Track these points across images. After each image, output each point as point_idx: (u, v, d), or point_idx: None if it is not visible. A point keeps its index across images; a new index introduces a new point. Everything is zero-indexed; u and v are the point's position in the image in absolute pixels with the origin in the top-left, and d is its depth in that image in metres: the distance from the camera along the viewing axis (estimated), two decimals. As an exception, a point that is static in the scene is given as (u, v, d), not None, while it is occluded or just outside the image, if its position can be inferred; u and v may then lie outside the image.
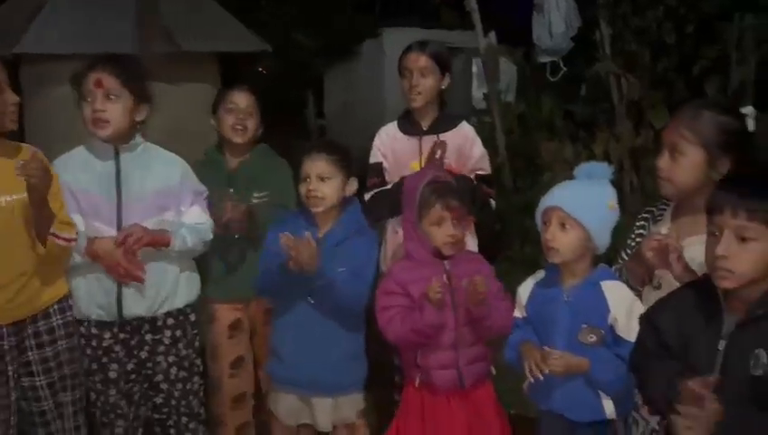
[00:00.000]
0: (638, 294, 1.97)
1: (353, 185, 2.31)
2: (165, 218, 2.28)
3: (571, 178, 2.02)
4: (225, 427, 2.71)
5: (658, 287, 1.85)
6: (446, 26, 8.16)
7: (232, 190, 2.56)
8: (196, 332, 2.44)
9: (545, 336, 1.95)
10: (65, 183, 2.20)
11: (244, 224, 2.48)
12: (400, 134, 2.71)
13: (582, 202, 1.92)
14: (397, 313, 2.17)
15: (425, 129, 2.67)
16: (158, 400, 2.39)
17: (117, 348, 2.31)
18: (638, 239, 2.00)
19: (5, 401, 2.12)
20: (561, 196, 1.95)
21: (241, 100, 2.64)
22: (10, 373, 2.12)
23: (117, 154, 2.26)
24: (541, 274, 2.06)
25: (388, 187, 2.66)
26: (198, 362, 2.44)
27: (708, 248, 1.58)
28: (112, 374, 2.33)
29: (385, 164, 2.70)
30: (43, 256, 2.09)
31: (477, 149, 2.70)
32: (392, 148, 2.70)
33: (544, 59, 4.77)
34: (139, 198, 2.25)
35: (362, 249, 2.28)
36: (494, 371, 2.23)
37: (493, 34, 5.02)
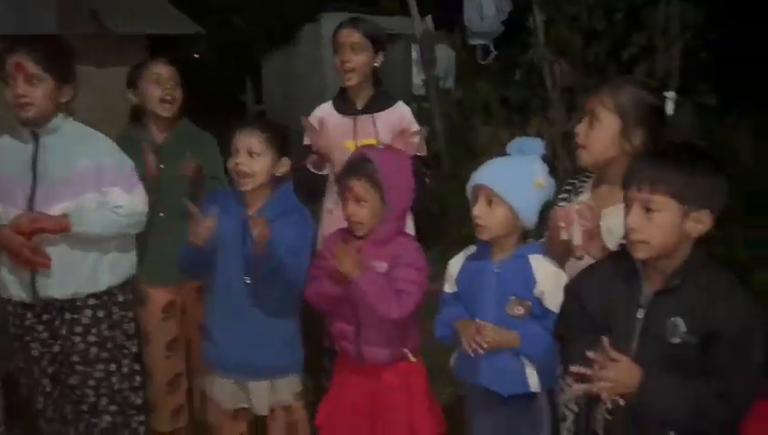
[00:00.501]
0: (562, 267, 2.02)
1: (285, 165, 2.27)
2: (84, 201, 2.20)
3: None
4: (161, 411, 2.68)
5: (581, 259, 1.90)
6: (385, 12, 8.14)
7: (162, 167, 2.52)
8: (126, 313, 2.36)
9: (474, 308, 1.98)
10: None
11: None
12: (335, 113, 2.68)
13: (508, 180, 1.95)
14: (318, 275, 2.18)
15: (359, 108, 2.65)
16: (73, 380, 2.32)
17: (40, 328, 2.28)
18: None
19: None
20: (487, 173, 1.98)
21: (164, 70, 2.59)
22: None
23: (36, 137, 2.20)
24: (472, 248, 2.08)
25: (309, 167, 2.63)
26: (129, 344, 2.38)
27: (625, 221, 1.64)
28: (35, 353, 2.30)
29: (316, 146, 2.67)
30: None
31: (413, 129, 2.70)
32: (326, 127, 2.65)
33: (475, 41, 4.82)
34: (54, 181, 2.19)
35: (295, 228, 2.25)
36: (412, 357, 2.22)
37: (429, 19, 5.04)
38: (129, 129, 2.67)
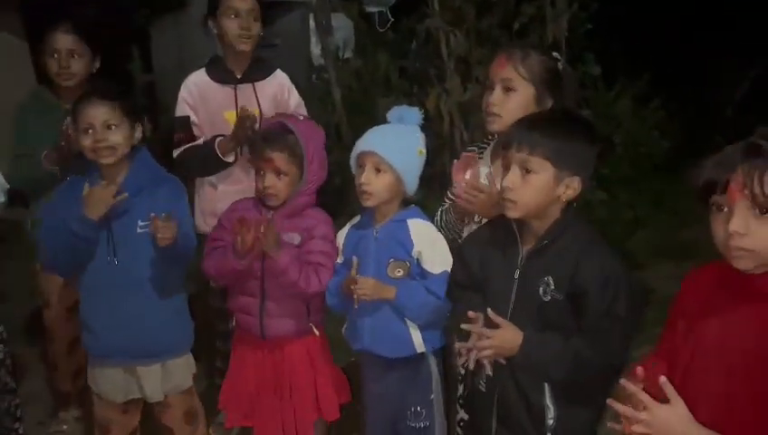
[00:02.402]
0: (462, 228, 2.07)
1: (140, 131, 2.17)
2: None
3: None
4: (62, 372, 2.75)
5: (480, 222, 1.96)
6: (282, -21, 7.90)
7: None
8: (8, 349, 2.26)
9: (359, 273, 2.00)
10: None
11: None
12: (212, 82, 2.57)
13: (395, 147, 1.97)
14: (220, 247, 2.14)
15: (238, 76, 2.57)
16: None
17: None
18: None
19: None
20: (374, 140, 1.99)
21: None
22: None
23: None
24: (356, 218, 2.10)
25: (199, 142, 2.55)
26: (8, 379, 2.26)
27: (501, 181, 1.69)
28: None
29: (193, 118, 2.57)
30: None
31: (293, 98, 2.67)
32: (202, 97, 2.56)
33: (371, 8, 4.78)
34: None
35: (171, 201, 2.16)
36: (316, 331, 2.22)
37: (325, -14, 4.94)
38: (38, 92, 2.59)
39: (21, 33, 4.15)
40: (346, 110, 5.13)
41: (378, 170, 1.97)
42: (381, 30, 4.89)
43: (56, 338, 2.77)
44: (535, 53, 1.98)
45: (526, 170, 1.66)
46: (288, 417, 2.19)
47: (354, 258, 1.99)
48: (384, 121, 5.06)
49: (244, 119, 2.42)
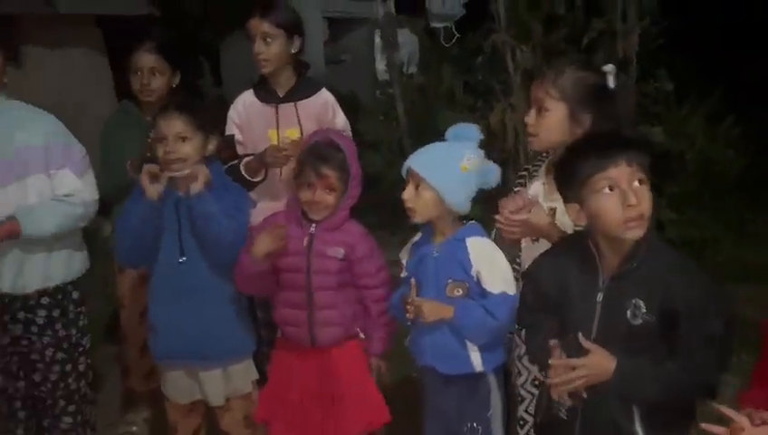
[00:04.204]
0: (516, 249, 2.05)
1: (213, 143, 2.24)
2: (28, 183, 2.13)
3: None
4: (135, 373, 2.82)
5: (537, 241, 1.93)
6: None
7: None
8: (80, 309, 2.31)
9: (419, 290, 2.00)
10: None
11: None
12: (257, 102, 2.64)
13: (433, 164, 1.97)
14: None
15: (281, 96, 2.62)
16: (37, 377, 2.27)
17: None
18: None
19: None
20: (415, 158, 2.00)
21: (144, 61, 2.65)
22: None
23: None
24: (418, 235, 2.11)
25: (241, 161, 2.60)
26: (84, 341, 2.33)
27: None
28: None
29: (238, 136, 2.63)
30: None
31: (339, 118, 2.69)
32: (248, 117, 2.63)
33: (437, 24, 4.80)
34: None
35: (231, 197, 2.23)
36: (361, 335, 2.24)
37: (391, 2, 5.00)
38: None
39: (102, 47, 4.36)
40: (409, 124, 5.15)
41: (418, 187, 1.98)
42: (446, 45, 4.90)
43: (129, 340, 2.85)
44: (571, 71, 1.97)
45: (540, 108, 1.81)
46: (330, 427, 2.20)
47: (412, 280, 2.00)
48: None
49: (275, 148, 2.48)
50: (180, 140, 2.15)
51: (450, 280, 1.97)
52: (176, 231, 2.19)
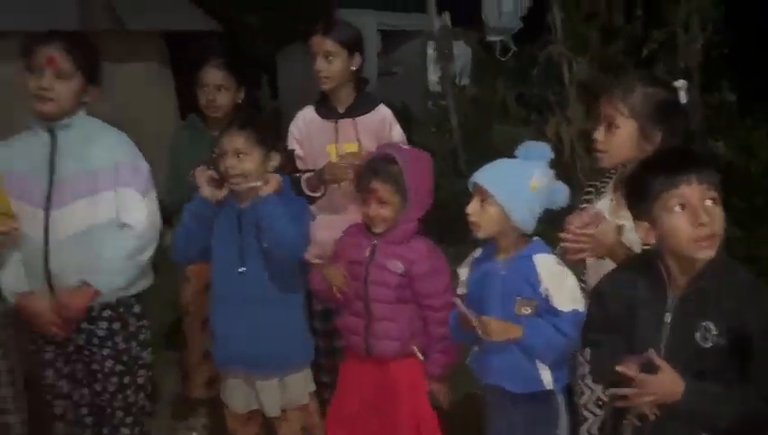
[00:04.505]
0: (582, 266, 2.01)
1: (275, 159, 2.26)
2: (97, 199, 2.16)
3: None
4: (195, 380, 2.85)
5: (602, 258, 1.89)
6: (402, 8, 8.11)
7: None
8: (142, 323, 2.33)
9: (482, 310, 1.97)
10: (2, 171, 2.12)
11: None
12: (317, 117, 2.67)
13: (501, 180, 1.95)
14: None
15: (341, 112, 2.65)
16: (97, 387, 2.30)
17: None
18: None
19: None
20: (483, 172, 1.98)
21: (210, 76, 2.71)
22: None
23: (53, 133, 2.16)
24: (478, 252, 2.09)
25: (301, 175, 2.63)
26: (144, 354, 2.33)
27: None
28: (49, 355, 2.26)
29: (298, 151, 2.67)
30: None
31: (396, 132, 2.68)
32: (309, 132, 2.67)
33: (493, 37, 4.79)
34: (70, 178, 2.14)
35: (294, 205, 2.27)
36: (420, 355, 2.23)
37: (446, 16, 5.01)
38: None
39: (166, 61, 4.50)
40: (463, 136, 5.15)
41: (483, 202, 1.97)
42: (503, 58, 4.88)
43: (191, 347, 2.88)
44: (642, 87, 1.93)
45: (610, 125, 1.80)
46: None
47: (457, 299, 1.98)
48: (499, 147, 5.02)
49: (332, 166, 2.51)
50: (240, 155, 2.19)
51: (518, 298, 1.94)
52: (236, 242, 2.24)
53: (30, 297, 2.15)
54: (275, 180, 2.20)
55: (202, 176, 2.21)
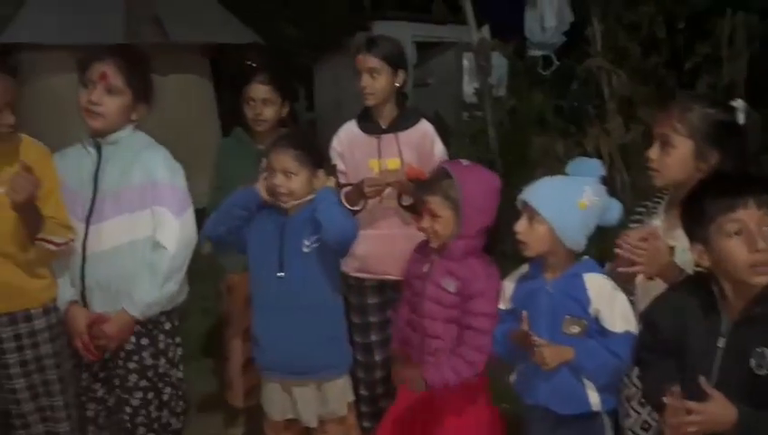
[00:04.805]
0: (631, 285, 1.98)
1: (322, 177, 2.28)
2: (135, 216, 2.17)
3: (562, 174, 2.02)
4: (236, 390, 2.88)
5: (652, 278, 1.86)
6: (436, 20, 8.14)
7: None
8: (173, 341, 2.30)
9: (529, 327, 1.93)
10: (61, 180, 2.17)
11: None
12: (360, 133, 2.69)
13: (550, 198, 1.93)
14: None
15: (383, 127, 2.66)
16: (111, 401, 2.30)
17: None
18: None
19: None
20: (532, 190, 1.96)
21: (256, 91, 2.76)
22: None
23: (99, 148, 2.20)
24: (524, 268, 2.07)
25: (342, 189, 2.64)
26: (173, 372, 2.30)
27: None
28: (86, 359, 2.26)
29: (340, 166, 2.69)
30: (33, 257, 2.08)
31: (438, 148, 2.68)
32: (351, 147, 2.69)
33: (535, 53, 4.76)
34: (111, 194, 2.17)
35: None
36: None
37: (486, 29, 5.00)
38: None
39: (208, 73, 4.58)
40: (499, 148, 5.12)
41: (532, 220, 1.95)
42: (545, 73, 4.85)
43: (232, 356, 2.89)
44: (700, 106, 1.90)
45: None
46: None
47: (524, 313, 1.95)
48: (537, 159, 4.95)
49: (371, 180, 2.51)
50: (288, 175, 2.22)
51: (568, 316, 1.92)
52: (277, 248, 2.27)
53: (73, 310, 2.18)
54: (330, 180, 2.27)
55: (263, 178, 2.27)
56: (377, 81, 2.59)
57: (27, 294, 2.13)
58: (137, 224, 2.17)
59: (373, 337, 2.75)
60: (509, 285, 2.08)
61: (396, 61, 2.62)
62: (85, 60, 2.17)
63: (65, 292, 2.22)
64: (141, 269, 2.16)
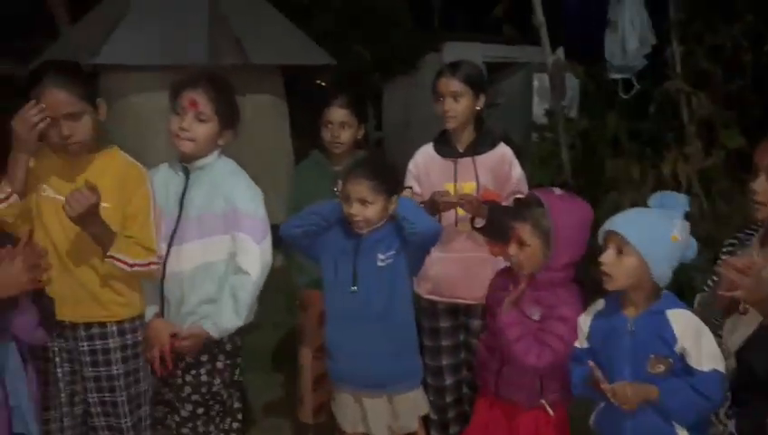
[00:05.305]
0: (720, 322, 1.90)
1: (395, 203, 2.29)
2: (214, 240, 2.23)
3: (637, 198, 1.98)
4: (306, 406, 2.93)
5: (745, 312, 1.79)
6: (507, 41, 8.09)
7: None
8: (232, 362, 2.31)
9: (610, 367, 1.90)
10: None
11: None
12: (437, 156, 2.70)
13: (643, 229, 1.87)
14: None
15: (461, 150, 2.67)
16: (170, 405, 2.34)
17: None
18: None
19: (54, 402, 2.19)
20: (623, 221, 1.91)
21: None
22: (59, 375, 2.18)
23: (187, 172, 2.28)
24: (600, 304, 2.00)
25: None
26: (225, 392, 2.31)
27: None
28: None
29: (416, 188, 2.70)
30: (115, 272, 2.14)
31: (515, 172, 2.66)
32: (427, 170, 2.70)
33: (616, 76, 4.65)
34: (195, 218, 2.24)
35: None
36: (550, 411, 2.15)
37: (561, 50, 4.95)
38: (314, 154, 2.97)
39: (282, 93, 4.70)
40: (573, 170, 5.03)
41: (620, 252, 1.89)
42: (625, 96, 4.73)
43: (304, 373, 2.93)
44: None
45: None
46: None
47: (591, 363, 1.89)
48: (613, 184, 4.81)
49: (442, 193, 2.51)
50: (364, 203, 2.25)
51: (653, 355, 1.85)
52: (351, 263, 2.29)
53: (157, 323, 2.25)
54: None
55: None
56: (459, 104, 2.61)
57: (104, 306, 2.18)
58: (215, 247, 2.23)
59: (444, 361, 2.74)
60: (585, 322, 2.02)
61: (477, 84, 2.64)
62: (177, 87, 2.26)
63: (152, 306, 2.29)
64: (222, 293, 2.22)
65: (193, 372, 2.27)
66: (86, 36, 4.31)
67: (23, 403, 1.91)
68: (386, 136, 7.52)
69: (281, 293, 3.10)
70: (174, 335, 2.21)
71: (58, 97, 2.06)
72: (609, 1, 4.54)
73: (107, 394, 2.22)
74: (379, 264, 2.26)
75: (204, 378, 2.27)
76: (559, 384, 2.12)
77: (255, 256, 2.23)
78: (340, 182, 2.44)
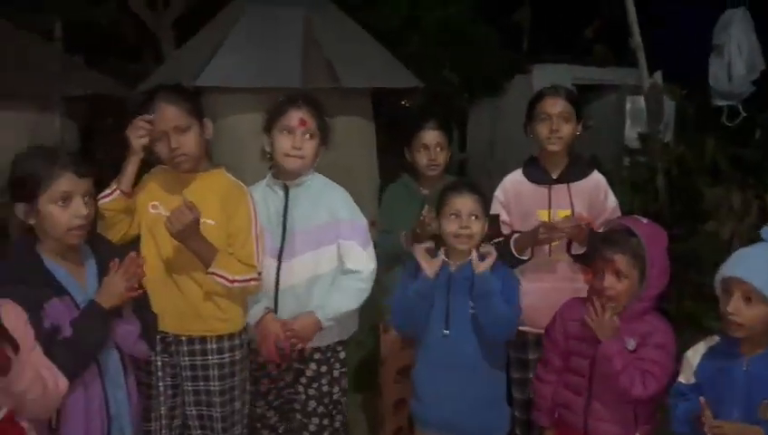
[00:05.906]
0: None
1: (486, 225, 2.29)
2: (321, 252, 2.32)
3: (739, 229, 1.88)
4: (386, 428, 2.95)
5: None
6: (597, 63, 7.91)
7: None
8: (344, 369, 2.43)
9: (718, 406, 1.80)
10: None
11: None
12: (527, 182, 2.64)
13: None
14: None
15: (554, 177, 2.60)
16: (294, 424, 2.41)
17: (270, 366, 2.39)
18: None
19: (155, 414, 2.27)
20: (747, 267, 1.81)
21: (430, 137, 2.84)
22: (161, 389, 2.26)
23: (287, 190, 2.36)
24: (714, 339, 1.92)
25: (509, 239, 2.58)
26: (343, 400, 2.42)
27: None
28: (263, 388, 2.42)
29: (503, 216, 2.64)
30: (218, 288, 2.20)
31: (610, 200, 2.59)
32: (517, 197, 2.64)
33: (720, 102, 4.40)
34: (299, 232, 2.33)
35: (505, 278, 2.24)
36: None
37: (659, 74, 4.75)
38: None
39: (370, 116, 4.74)
40: (669, 196, 4.81)
41: (748, 299, 1.79)
42: (730, 124, 4.49)
43: (385, 395, 2.96)
44: None
45: None
46: None
47: (702, 399, 1.79)
48: (712, 213, 4.57)
49: (547, 224, 2.44)
50: (475, 217, 2.24)
51: (766, 401, 1.74)
52: (443, 304, 2.26)
53: (269, 317, 2.32)
54: (492, 257, 2.21)
55: (421, 253, 2.26)
56: (568, 125, 2.56)
57: (204, 320, 2.25)
58: (323, 258, 2.33)
59: (533, 394, 2.67)
60: (695, 357, 1.94)
61: (579, 108, 2.61)
62: (280, 108, 2.34)
63: (253, 316, 2.34)
64: (338, 290, 2.33)
65: (315, 384, 2.36)
66: (189, 60, 4.52)
67: (122, 412, 1.98)
68: (469, 157, 7.47)
69: (364, 312, 3.11)
70: (285, 326, 2.27)
71: (167, 112, 2.18)
72: (714, 24, 4.33)
73: (204, 408, 2.28)
74: (471, 311, 2.22)
75: (325, 388, 2.37)
76: (651, 414, 2.07)
77: (363, 257, 2.33)
78: (427, 207, 2.45)
